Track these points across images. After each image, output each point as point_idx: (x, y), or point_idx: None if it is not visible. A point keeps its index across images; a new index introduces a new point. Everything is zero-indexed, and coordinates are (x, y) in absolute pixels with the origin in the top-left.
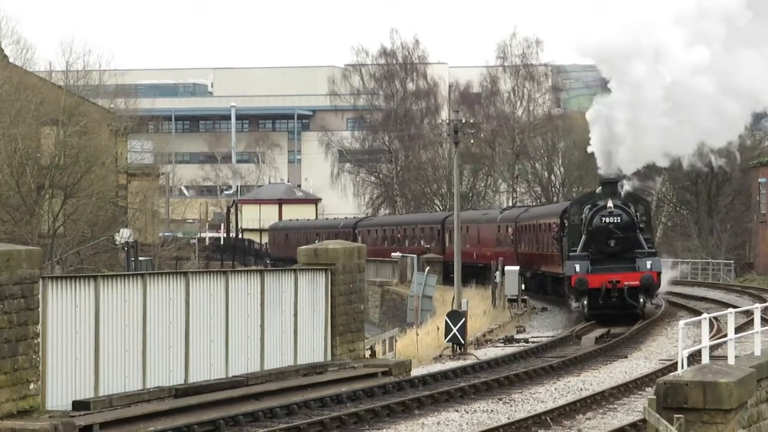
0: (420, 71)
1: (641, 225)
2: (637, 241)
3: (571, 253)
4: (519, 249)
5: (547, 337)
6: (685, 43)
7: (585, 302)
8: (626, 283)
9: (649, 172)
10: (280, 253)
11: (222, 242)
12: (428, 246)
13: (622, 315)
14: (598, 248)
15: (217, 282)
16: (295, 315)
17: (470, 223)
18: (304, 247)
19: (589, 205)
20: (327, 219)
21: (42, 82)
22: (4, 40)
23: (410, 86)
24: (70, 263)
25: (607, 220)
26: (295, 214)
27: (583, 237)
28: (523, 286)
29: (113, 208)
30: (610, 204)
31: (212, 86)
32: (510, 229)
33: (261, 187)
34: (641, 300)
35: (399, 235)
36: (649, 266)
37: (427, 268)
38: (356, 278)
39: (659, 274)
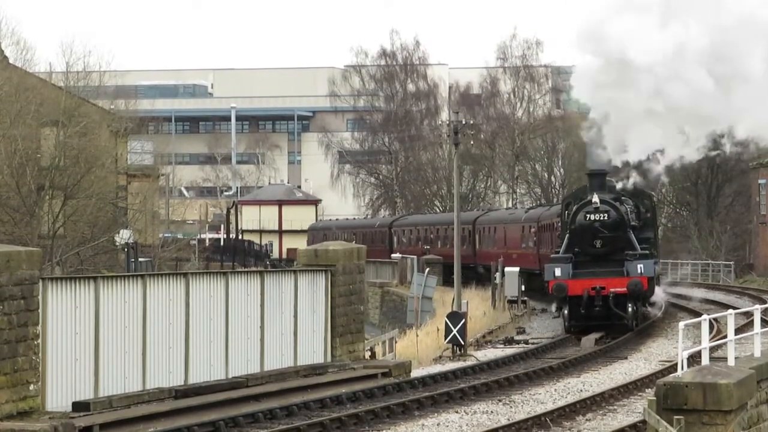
0: (420, 72)
1: (634, 223)
2: (627, 241)
3: (553, 255)
4: (540, 251)
5: (547, 338)
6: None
7: (565, 311)
8: (612, 289)
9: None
10: None
11: (222, 243)
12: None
13: (608, 326)
14: (583, 249)
15: (217, 283)
16: (295, 316)
17: (497, 223)
18: (303, 248)
19: (578, 201)
20: (366, 218)
21: (42, 83)
22: (4, 41)
23: (410, 87)
24: (70, 264)
25: (593, 217)
26: (295, 215)
27: (567, 236)
28: (523, 287)
29: (113, 209)
30: (595, 199)
31: (212, 87)
32: (533, 230)
33: (261, 188)
34: (630, 309)
35: (432, 236)
36: (639, 270)
37: (427, 269)
38: (356, 279)
39: (651, 279)
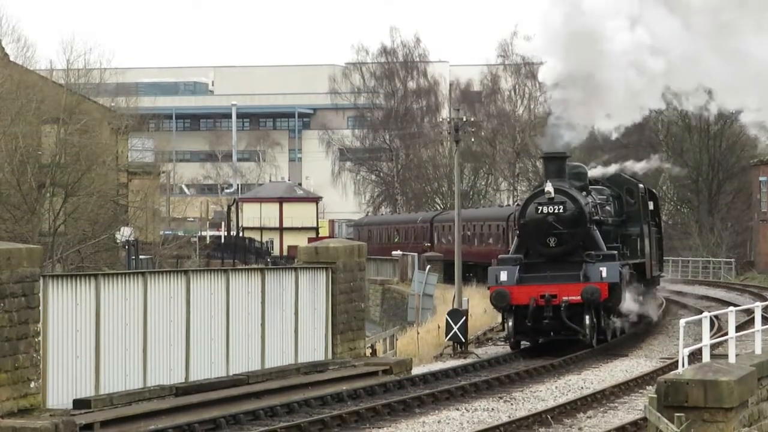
0: (420, 69)
1: (598, 217)
2: (590, 239)
3: (501, 256)
4: None
5: None
6: None
7: (510, 323)
8: (564, 297)
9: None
10: None
11: (223, 241)
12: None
13: (562, 342)
14: (535, 249)
15: (217, 280)
16: (296, 313)
17: None
18: (304, 245)
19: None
20: (409, 214)
21: (43, 81)
22: (5, 39)
23: (411, 84)
24: (70, 262)
25: (545, 209)
26: (296, 212)
27: (517, 233)
28: None
29: (114, 206)
30: (549, 188)
31: (213, 84)
32: None
33: (262, 186)
34: (587, 321)
35: (469, 233)
36: (601, 275)
37: (428, 266)
38: (357, 277)
39: (615, 285)
